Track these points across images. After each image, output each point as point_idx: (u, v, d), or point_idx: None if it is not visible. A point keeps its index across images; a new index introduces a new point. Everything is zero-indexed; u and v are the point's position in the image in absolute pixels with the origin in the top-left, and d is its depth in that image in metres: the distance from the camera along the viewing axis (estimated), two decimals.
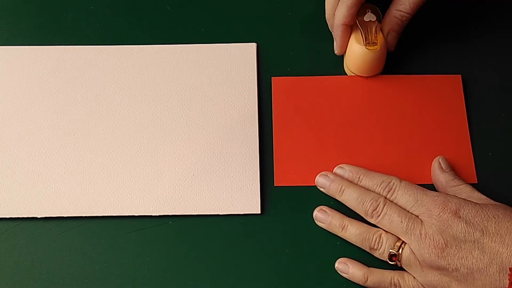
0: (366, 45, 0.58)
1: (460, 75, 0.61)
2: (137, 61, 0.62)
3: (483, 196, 0.53)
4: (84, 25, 0.64)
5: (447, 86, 0.61)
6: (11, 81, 0.61)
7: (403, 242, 0.51)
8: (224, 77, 0.61)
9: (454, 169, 0.57)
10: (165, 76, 0.61)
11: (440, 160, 0.57)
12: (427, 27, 0.63)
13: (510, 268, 0.46)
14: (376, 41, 0.58)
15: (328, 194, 0.56)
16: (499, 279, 0.46)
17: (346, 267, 0.52)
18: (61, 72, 0.61)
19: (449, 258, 0.48)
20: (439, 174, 0.56)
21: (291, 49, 0.62)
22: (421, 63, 0.62)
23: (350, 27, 0.59)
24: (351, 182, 0.55)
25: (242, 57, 0.61)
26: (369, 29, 0.58)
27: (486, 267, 0.47)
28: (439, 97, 0.60)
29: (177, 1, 0.64)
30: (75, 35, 0.63)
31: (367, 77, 0.61)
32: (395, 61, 0.62)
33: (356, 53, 0.59)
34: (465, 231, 0.48)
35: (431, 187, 0.55)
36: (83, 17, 0.64)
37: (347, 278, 0.52)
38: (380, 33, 0.58)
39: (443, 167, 0.56)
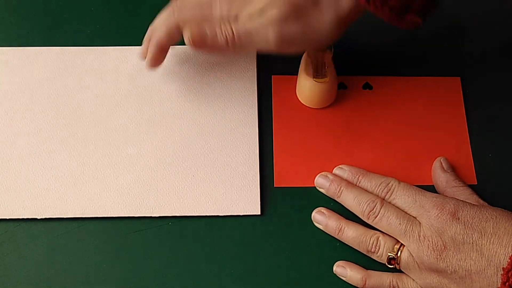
0: (315, 77, 0.57)
1: (459, 77, 0.62)
2: (137, 62, 0.62)
3: (481, 200, 0.53)
4: (84, 26, 0.64)
5: (447, 88, 0.61)
6: (11, 82, 0.61)
7: (401, 244, 0.51)
8: (224, 78, 0.61)
9: (454, 170, 0.57)
10: (165, 76, 0.61)
11: (441, 160, 0.57)
12: (426, 29, 0.63)
13: (503, 268, 0.46)
14: (326, 74, 0.57)
15: (327, 195, 0.56)
16: (497, 281, 0.46)
17: (344, 271, 0.53)
18: (61, 73, 0.61)
19: (448, 260, 0.48)
20: (440, 174, 0.56)
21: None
22: (421, 65, 0.62)
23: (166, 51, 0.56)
24: (350, 182, 0.55)
25: (242, 57, 0.62)
26: (319, 61, 0.57)
27: (484, 269, 0.47)
28: (439, 99, 0.60)
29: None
30: (75, 36, 0.63)
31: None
32: (394, 63, 0.62)
33: (305, 85, 0.58)
34: (464, 232, 0.48)
35: (430, 188, 0.55)
36: (83, 18, 0.64)
37: (345, 281, 0.53)
38: (331, 65, 0.58)
39: (445, 167, 0.56)
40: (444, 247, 0.48)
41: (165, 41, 0.55)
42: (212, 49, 0.53)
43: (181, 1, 0.54)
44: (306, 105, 0.60)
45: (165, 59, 0.60)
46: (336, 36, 0.53)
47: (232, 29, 0.51)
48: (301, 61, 0.59)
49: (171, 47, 0.61)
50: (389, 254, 0.51)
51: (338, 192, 0.55)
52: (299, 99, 0.60)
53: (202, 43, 0.52)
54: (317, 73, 0.57)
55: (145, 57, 0.57)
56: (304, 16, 0.51)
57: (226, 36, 0.52)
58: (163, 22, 0.55)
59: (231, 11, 0.52)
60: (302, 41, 0.53)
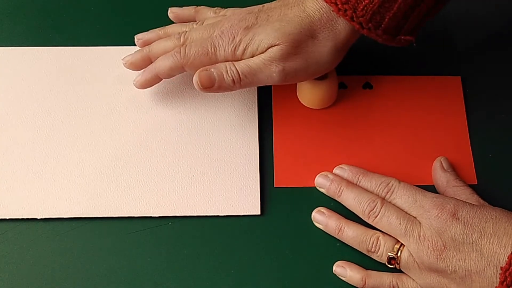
0: (315, 78, 0.57)
1: (459, 76, 0.62)
2: None
3: (482, 200, 0.53)
4: (84, 26, 0.64)
5: (447, 88, 0.61)
6: (11, 81, 0.61)
7: (401, 244, 0.51)
8: None
9: (454, 170, 0.57)
10: None
11: (441, 160, 0.57)
12: (427, 29, 0.63)
13: (501, 268, 0.46)
14: (326, 75, 0.57)
15: (328, 195, 0.56)
16: (496, 281, 0.46)
17: (344, 271, 0.52)
18: (61, 73, 0.61)
19: (448, 260, 0.48)
20: (440, 173, 0.56)
21: None
22: (421, 64, 0.62)
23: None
24: (350, 182, 0.55)
25: None
26: None
27: (484, 269, 0.47)
28: (439, 98, 0.60)
29: (176, 2, 0.64)
30: (75, 36, 0.63)
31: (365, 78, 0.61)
32: (395, 62, 0.62)
33: (305, 86, 0.58)
34: (463, 232, 0.48)
35: (430, 188, 0.55)
36: (83, 18, 0.64)
37: (345, 281, 0.53)
38: None
39: (445, 167, 0.56)
40: (444, 247, 0.48)
41: (164, 75, 0.57)
42: (219, 89, 0.55)
43: (188, 46, 0.55)
44: (307, 106, 0.60)
45: None
46: (337, 63, 0.56)
47: (237, 69, 0.54)
48: None
49: None
50: (389, 254, 0.51)
51: (339, 191, 0.55)
52: (300, 100, 0.60)
53: (211, 86, 0.54)
54: None
55: (133, 67, 0.59)
56: (304, 50, 0.54)
57: (232, 77, 0.54)
58: (169, 59, 0.56)
59: (235, 53, 0.54)
60: (305, 72, 0.55)
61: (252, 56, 0.54)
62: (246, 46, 0.54)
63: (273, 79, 0.54)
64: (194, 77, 0.54)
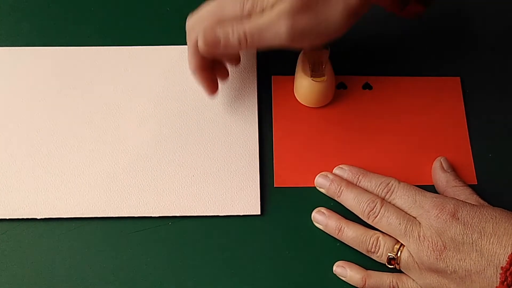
0: (312, 76, 0.57)
1: (459, 77, 0.62)
2: (137, 62, 0.62)
3: (481, 200, 0.53)
4: (84, 26, 0.64)
5: (446, 88, 0.61)
6: (11, 81, 0.61)
7: (401, 244, 0.51)
8: None
9: (454, 170, 0.57)
10: (165, 77, 0.61)
11: (441, 160, 0.57)
12: (426, 29, 0.63)
13: (501, 267, 0.46)
14: (323, 73, 0.57)
15: (327, 195, 0.56)
16: (496, 281, 0.46)
17: (344, 271, 0.53)
18: (61, 73, 0.61)
19: (448, 261, 0.48)
20: (440, 174, 0.56)
21: (291, 50, 0.62)
22: (421, 65, 0.62)
23: (208, 69, 0.57)
24: (350, 182, 0.55)
25: (242, 58, 0.62)
26: (316, 60, 0.57)
27: (484, 269, 0.47)
28: (439, 99, 0.61)
29: (176, 2, 0.64)
30: (75, 36, 0.63)
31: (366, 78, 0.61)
32: (394, 63, 0.62)
33: (303, 84, 0.58)
34: (463, 233, 0.48)
35: (430, 188, 0.55)
36: (83, 18, 0.64)
37: (345, 281, 0.53)
38: (328, 64, 0.58)
39: (445, 167, 0.56)
40: (444, 247, 0.48)
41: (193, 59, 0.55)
42: (225, 50, 0.53)
43: (197, 14, 0.54)
44: (304, 104, 0.60)
45: (164, 60, 0.61)
46: (346, 28, 0.53)
47: (243, 28, 0.51)
48: (298, 60, 0.59)
49: (170, 47, 0.61)
50: (389, 254, 0.51)
51: (338, 192, 0.55)
52: (297, 98, 0.60)
53: (216, 47, 0.52)
54: (314, 72, 0.57)
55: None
56: (314, 9, 0.51)
57: (238, 36, 0.52)
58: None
59: (243, 10, 0.52)
60: (313, 33, 0.52)
61: (260, 15, 0.52)
62: (253, 3, 0.51)
63: (281, 38, 0.51)
64: (198, 38, 0.52)
